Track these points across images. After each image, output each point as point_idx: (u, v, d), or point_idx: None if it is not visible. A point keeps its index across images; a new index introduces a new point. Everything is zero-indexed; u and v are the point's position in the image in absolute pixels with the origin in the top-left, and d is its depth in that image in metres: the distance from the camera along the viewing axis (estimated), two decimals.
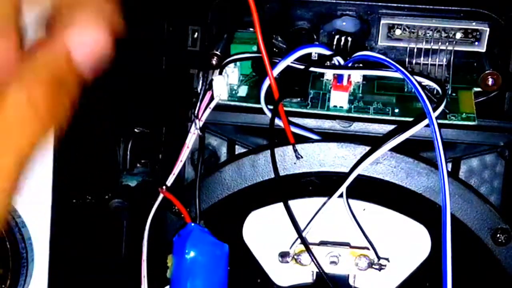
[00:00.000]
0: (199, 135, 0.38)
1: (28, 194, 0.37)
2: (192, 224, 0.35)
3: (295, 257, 0.36)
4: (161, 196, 0.37)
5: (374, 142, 0.36)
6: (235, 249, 0.36)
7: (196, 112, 0.38)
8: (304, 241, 0.36)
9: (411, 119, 0.37)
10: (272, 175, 0.37)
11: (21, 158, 0.22)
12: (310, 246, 0.36)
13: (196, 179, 0.37)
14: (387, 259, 0.36)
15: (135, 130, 0.43)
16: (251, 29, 0.42)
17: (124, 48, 0.33)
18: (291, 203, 0.36)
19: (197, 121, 0.38)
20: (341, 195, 0.36)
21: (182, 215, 0.36)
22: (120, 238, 0.40)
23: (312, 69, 0.39)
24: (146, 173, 0.42)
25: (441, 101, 0.36)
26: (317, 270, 0.36)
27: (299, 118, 0.39)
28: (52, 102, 0.23)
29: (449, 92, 0.40)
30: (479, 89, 0.40)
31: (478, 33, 0.40)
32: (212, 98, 0.39)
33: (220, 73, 0.39)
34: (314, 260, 0.36)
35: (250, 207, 0.38)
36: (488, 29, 0.40)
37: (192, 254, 0.34)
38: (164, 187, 0.37)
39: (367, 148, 0.37)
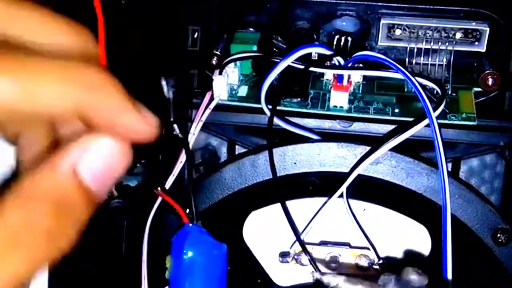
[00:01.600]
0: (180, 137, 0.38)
1: None
2: (190, 225, 0.35)
3: (295, 257, 0.36)
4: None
5: (374, 142, 0.36)
6: (235, 249, 0.36)
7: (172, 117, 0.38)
8: (302, 243, 0.36)
9: (411, 119, 0.37)
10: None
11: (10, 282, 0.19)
12: (311, 246, 0.36)
13: (191, 178, 0.37)
14: (387, 259, 0.36)
15: None
16: (251, 29, 0.42)
17: (123, 49, 0.33)
18: (291, 203, 0.36)
19: (175, 126, 0.38)
20: (341, 195, 0.36)
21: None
22: (120, 238, 0.40)
23: (312, 69, 0.39)
24: (146, 173, 0.42)
25: (441, 101, 0.36)
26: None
27: (299, 118, 0.39)
28: (55, 226, 0.20)
29: (449, 92, 0.40)
30: (479, 89, 0.40)
31: (478, 33, 0.40)
32: (212, 98, 0.39)
33: (220, 73, 0.39)
34: (311, 262, 0.36)
35: (250, 207, 0.38)
36: (488, 29, 0.40)
37: (190, 254, 0.34)
38: (159, 188, 0.37)
39: (367, 148, 0.37)
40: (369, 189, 0.37)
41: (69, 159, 0.21)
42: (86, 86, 0.20)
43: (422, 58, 0.41)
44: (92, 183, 0.22)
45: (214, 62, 0.40)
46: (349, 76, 0.39)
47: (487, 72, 0.40)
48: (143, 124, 0.23)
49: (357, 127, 0.39)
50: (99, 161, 0.22)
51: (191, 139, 0.38)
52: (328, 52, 0.39)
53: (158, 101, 0.40)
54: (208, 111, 0.38)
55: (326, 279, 0.26)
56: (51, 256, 0.21)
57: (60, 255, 0.21)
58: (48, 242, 0.20)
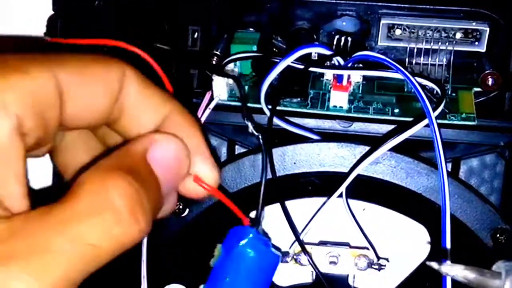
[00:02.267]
0: None
1: None
2: (253, 229, 0.33)
3: (295, 257, 0.36)
4: None
5: (374, 142, 0.36)
6: None
7: None
8: (301, 243, 0.36)
9: (411, 119, 0.37)
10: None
11: (87, 251, 0.20)
12: (310, 246, 0.36)
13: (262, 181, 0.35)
14: (386, 259, 0.36)
15: None
16: (251, 29, 0.42)
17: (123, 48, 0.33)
18: (291, 203, 0.36)
19: None
20: (340, 195, 0.36)
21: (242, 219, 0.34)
22: None
23: (312, 69, 0.39)
24: None
25: (441, 101, 0.36)
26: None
27: (299, 118, 0.39)
28: (133, 194, 0.20)
29: (449, 92, 0.40)
30: (479, 89, 0.40)
31: (478, 33, 0.40)
32: (212, 98, 0.39)
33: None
34: (311, 261, 0.36)
35: (250, 207, 0.38)
36: (488, 29, 0.40)
37: (244, 252, 0.32)
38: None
39: (367, 148, 0.37)
40: (369, 189, 0.37)
41: (141, 143, 0.22)
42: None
43: (422, 58, 0.41)
44: (160, 174, 0.22)
45: (214, 62, 0.40)
46: (349, 76, 0.39)
47: (487, 72, 0.40)
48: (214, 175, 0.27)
49: (357, 127, 0.39)
50: (167, 155, 0.23)
51: None
52: (328, 52, 0.39)
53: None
54: (208, 111, 0.38)
55: (443, 268, 0.26)
56: (130, 231, 0.20)
57: (137, 234, 0.20)
58: (128, 213, 0.20)
